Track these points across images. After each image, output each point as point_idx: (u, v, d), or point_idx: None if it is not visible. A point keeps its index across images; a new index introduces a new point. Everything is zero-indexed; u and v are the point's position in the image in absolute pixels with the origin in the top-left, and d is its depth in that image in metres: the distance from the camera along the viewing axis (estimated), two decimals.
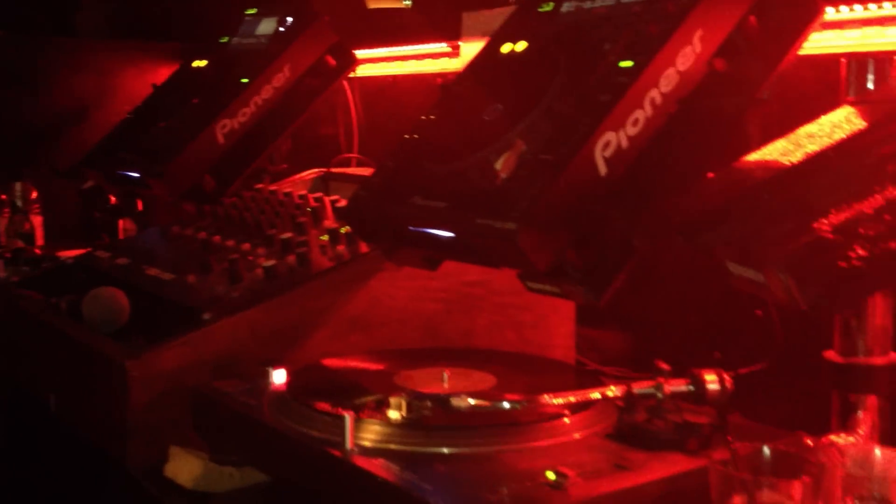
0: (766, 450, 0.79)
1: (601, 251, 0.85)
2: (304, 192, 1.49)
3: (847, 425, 0.90)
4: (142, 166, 1.58)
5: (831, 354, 0.93)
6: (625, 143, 0.85)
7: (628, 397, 0.85)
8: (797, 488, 0.76)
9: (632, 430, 0.84)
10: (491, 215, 0.86)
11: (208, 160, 1.52)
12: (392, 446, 0.84)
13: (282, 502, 0.96)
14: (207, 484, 1.00)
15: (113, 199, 1.94)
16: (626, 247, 0.86)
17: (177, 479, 1.01)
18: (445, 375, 0.98)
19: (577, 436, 0.86)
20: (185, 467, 1.01)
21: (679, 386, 0.86)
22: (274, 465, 0.95)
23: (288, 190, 1.53)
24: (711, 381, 0.86)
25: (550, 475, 0.76)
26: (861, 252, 0.63)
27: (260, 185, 1.60)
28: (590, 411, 0.89)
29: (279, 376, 1.02)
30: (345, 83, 1.78)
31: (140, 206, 1.81)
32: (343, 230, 1.25)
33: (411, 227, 0.98)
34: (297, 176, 1.68)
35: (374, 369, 1.05)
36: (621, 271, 0.86)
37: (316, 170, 1.72)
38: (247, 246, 1.33)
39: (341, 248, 1.24)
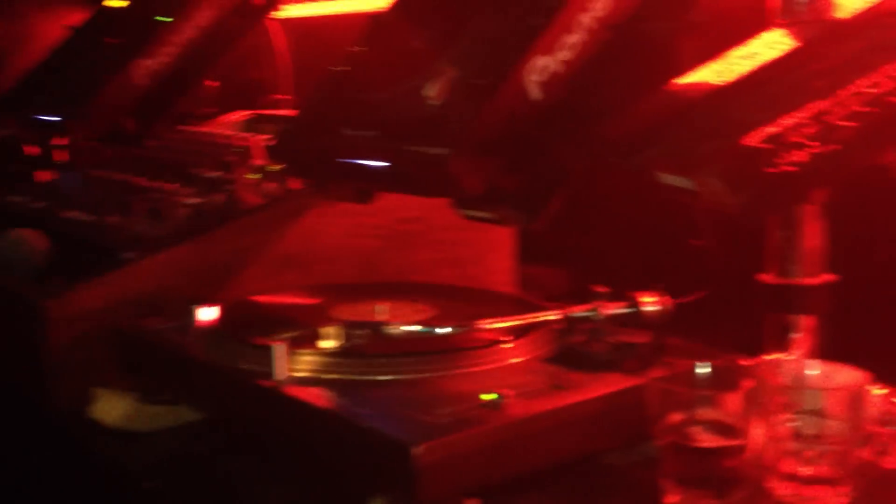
0: (702, 366, 0.78)
1: (535, 175, 0.83)
2: (231, 132, 1.45)
3: (782, 346, 0.91)
4: (58, 109, 1.51)
5: (765, 276, 0.93)
6: (557, 67, 0.83)
7: (566, 321, 0.84)
8: (733, 403, 0.76)
9: (570, 352, 0.83)
10: (422, 142, 0.83)
11: (128, 101, 1.45)
12: (326, 376, 0.81)
13: (216, 440, 0.93)
14: (136, 423, 0.96)
15: (31, 149, 1.86)
16: (560, 170, 0.84)
17: (103, 421, 0.97)
18: (381, 307, 0.95)
19: (516, 361, 0.85)
20: (111, 408, 0.98)
21: (617, 309, 0.85)
22: (206, 401, 0.92)
23: (214, 131, 1.48)
24: (649, 302, 0.85)
25: (487, 396, 0.74)
26: (788, 158, 0.63)
27: (185, 127, 1.55)
28: (529, 337, 0.88)
29: (207, 312, 0.99)
30: (274, 24, 1.72)
31: (62, 156, 1.74)
32: (272, 168, 1.22)
33: (341, 160, 0.95)
34: (225, 117, 1.63)
35: (307, 304, 1.03)
36: (556, 194, 0.84)
37: (245, 112, 1.66)
38: (171, 187, 1.28)
39: (271, 185, 1.20)
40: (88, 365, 1.02)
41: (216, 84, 1.63)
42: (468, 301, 1.04)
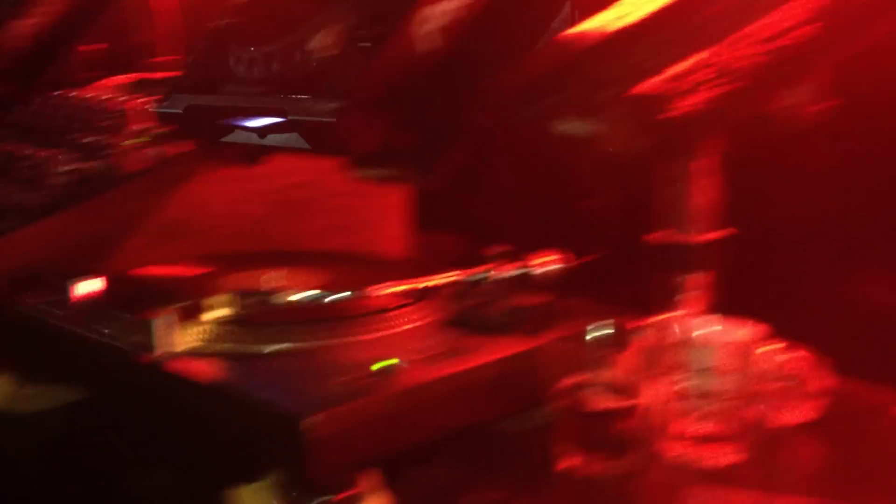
0: (597, 326, 0.78)
1: (430, 130, 0.81)
2: (108, 96, 1.37)
3: (674, 304, 0.91)
4: None
5: (654, 236, 0.93)
6: (447, 16, 0.80)
7: (458, 284, 0.82)
8: (627, 363, 0.76)
9: (465, 317, 0.82)
10: (310, 98, 0.80)
11: None
12: (211, 349, 0.78)
13: (97, 421, 0.89)
14: (12, 404, 0.91)
15: None
16: (455, 124, 0.82)
17: None
18: (271, 276, 0.92)
19: (410, 327, 0.83)
20: None
21: (509, 270, 0.84)
22: (86, 381, 0.87)
23: (91, 95, 1.40)
24: (541, 263, 0.84)
25: (379, 364, 0.72)
26: (685, 102, 0.63)
27: (63, 92, 1.46)
28: (423, 303, 0.86)
29: (87, 286, 0.94)
30: None
31: None
32: (153, 133, 1.16)
33: (226, 121, 0.91)
34: (106, 82, 1.54)
35: (192, 275, 0.98)
36: (452, 150, 0.82)
37: (126, 75, 1.58)
38: (47, 153, 1.21)
39: (152, 150, 1.14)
40: None
41: (103, 47, 1.55)
42: (361, 267, 1.01)
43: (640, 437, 0.76)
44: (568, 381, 0.77)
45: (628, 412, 0.74)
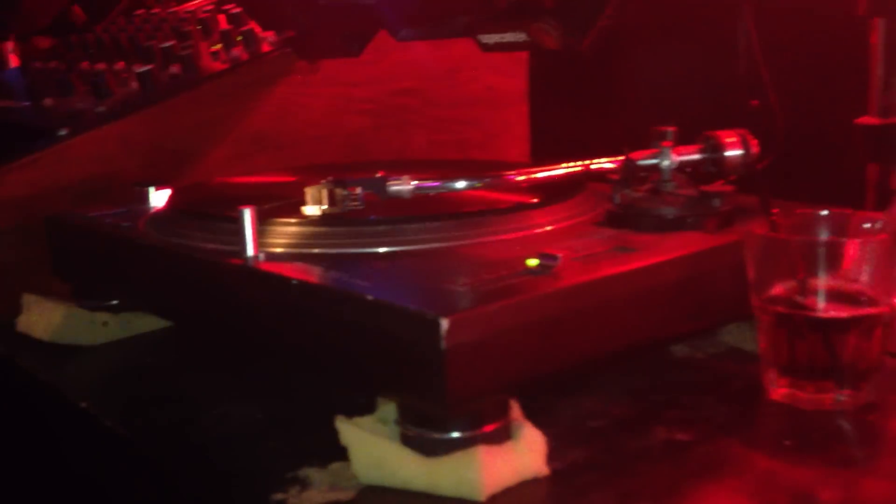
0: (817, 214, 0.59)
1: None
2: (196, 6, 1.22)
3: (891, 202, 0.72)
4: None
5: (865, 119, 0.74)
6: None
7: (626, 168, 0.64)
8: (854, 263, 0.57)
9: (631, 210, 0.64)
10: None
11: None
12: (313, 250, 0.62)
13: (172, 351, 0.74)
14: (72, 334, 0.76)
15: None
16: None
17: (32, 333, 0.77)
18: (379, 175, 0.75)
19: (560, 224, 0.65)
20: (42, 317, 0.77)
21: (689, 153, 0.66)
22: (158, 302, 0.72)
23: (178, 9, 1.26)
24: (732, 142, 0.65)
25: (532, 261, 0.55)
26: None
27: (142, 11, 1.33)
28: (572, 200, 0.69)
29: (161, 196, 0.79)
30: None
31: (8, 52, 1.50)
32: (243, 32, 1.00)
33: None
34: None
35: (282, 182, 0.82)
36: (606, 5, 0.64)
37: None
38: (120, 64, 1.07)
39: (238, 51, 0.99)
40: (15, 266, 0.82)
41: None
42: (488, 170, 0.84)
43: (878, 358, 0.57)
44: (780, 287, 0.58)
45: (866, 324, 0.56)
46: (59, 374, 0.70)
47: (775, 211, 0.59)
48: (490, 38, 0.67)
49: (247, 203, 0.61)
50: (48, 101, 1.00)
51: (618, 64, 0.91)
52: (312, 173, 0.78)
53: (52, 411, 0.69)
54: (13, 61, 1.41)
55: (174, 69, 0.98)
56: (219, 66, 0.96)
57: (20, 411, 0.75)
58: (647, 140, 0.67)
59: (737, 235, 0.61)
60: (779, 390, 0.58)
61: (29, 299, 0.79)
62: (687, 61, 0.92)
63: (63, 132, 0.86)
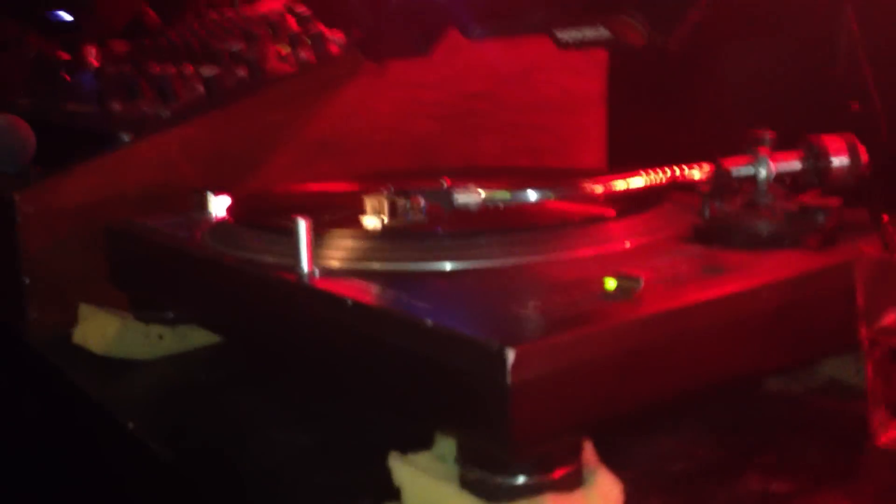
0: None
1: None
2: (269, 9, 1.20)
3: None
4: (69, 3, 1.30)
5: None
6: None
7: (719, 177, 0.58)
8: None
9: (722, 225, 0.57)
10: None
11: None
12: (371, 265, 0.57)
13: (225, 369, 0.71)
14: (127, 348, 0.74)
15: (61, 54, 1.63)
16: None
17: (87, 345, 0.75)
18: (444, 183, 0.71)
19: (636, 242, 0.59)
20: (98, 329, 0.75)
21: (790, 161, 0.59)
22: (214, 315, 0.69)
23: (250, 12, 1.23)
24: (838, 148, 0.58)
25: (611, 282, 0.49)
26: None
27: (215, 15, 1.31)
28: (654, 212, 0.63)
29: (221, 203, 0.76)
30: None
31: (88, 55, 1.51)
32: (313, 34, 0.97)
33: None
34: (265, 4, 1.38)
35: (346, 191, 0.79)
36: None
37: None
38: (189, 68, 1.05)
39: (306, 54, 0.96)
40: (73, 275, 0.80)
41: None
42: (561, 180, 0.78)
43: None
44: (887, 317, 0.52)
45: None
46: (109, 390, 0.67)
47: (890, 228, 0.52)
48: (567, 35, 0.62)
49: (304, 213, 0.57)
50: (115, 106, 0.99)
51: (706, 63, 0.85)
52: (377, 181, 0.74)
53: (99, 429, 0.66)
54: (93, 65, 1.42)
55: (241, 73, 0.95)
56: (286, 68, 0.93)
57: (69, 426, 0.72)
58: (740, 147, 0.61)
59: (844, 256, 0.54)
60: (890, 433, 0.52)
61: (85, 310, 0.77)
62: (782, 60, 0.85)
63: (126, 137, 0.84)
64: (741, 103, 0.85)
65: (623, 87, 1.00)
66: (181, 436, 0.58)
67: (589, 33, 0.60)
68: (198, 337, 0.75)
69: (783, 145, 0.61)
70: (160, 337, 0.74)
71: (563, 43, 0.62)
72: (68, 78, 1.19)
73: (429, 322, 0.46)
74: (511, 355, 0.42)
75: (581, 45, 0.61)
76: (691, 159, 0.64)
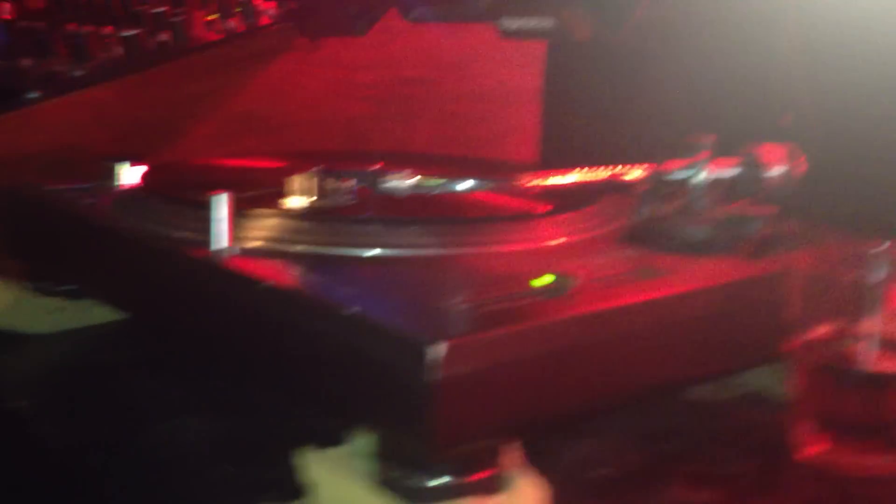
0: (875, 249, 0.52)
1: None
2: None
3: None
4: None
5: None
6: None
7: (655, 179, 0.56)
8: None
9: (657, 227, 0.56)
10: None
11: None
12: (294, 247, 0.54)
13: (127, 347, 0.66)
14: (22, 320, 0.69)
15: None
16: None
17: None
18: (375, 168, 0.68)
19: (572, 238, 0.58)
20: None
21: (727, 168, 0.58)
22: (117, 291, 0.64)
23: None
24: (776, 158, 0.58)
25: (544, 279, 0.47)
26: None
27: None
28: (589, 209, 0.61)
29: (132, 172, 0.71)
30: None
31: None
32: (237, 7, 0.93)
33: None
34: None
35: (267, 167, 0.75)
36: None
37: None
38: (108, 28, 0.99)
39: (235, 21, 0.91)
40: None
41: None
42: (497, 172, 0.76)
43: None
44: (815, 330, 0.51)
45: None
46: None
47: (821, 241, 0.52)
48: (513, 23, 0.60)
49: (224, 188, 0.53)
50: (26, 62, 0.92)
51: (650, 63, 0.83)
52: (303, 160, 0.71)
53: None
54: (5, 19, 1.33)
55: (163, 36, 0.90)
56: (212, 36, 0.88)
57: None
58: (678, 152, 0.60)
59: (776, 265, 0.53)
60: (813, 448, 0.51)
61: None
62: (728, 65, 0.84)
63: (32, 95, 0.78)
64: (686, 108, 0.84)
65: (560, 84, 0.98)
66: (74, 418, 0.54)
67: (534, 23, 0.58)
68: (100, 313, 0.70)
69: (721, 152, 0.60)
70: (59, 310, 0.69)
71: (508, 32, 0.59)
72: None
73: (352, 310, 0.43)
74: (437, 351, 0.39)
75: (525, 35, 0.59)
76: (626, 161, 0.62)
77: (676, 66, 0.84)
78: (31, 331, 0.68)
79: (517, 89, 1.02)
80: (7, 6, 1.24)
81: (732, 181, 0.59)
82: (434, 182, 0.55)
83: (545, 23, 0.57)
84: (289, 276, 0.49)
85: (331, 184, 0.55)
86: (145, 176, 0.69)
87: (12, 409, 0.54)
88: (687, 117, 0.84)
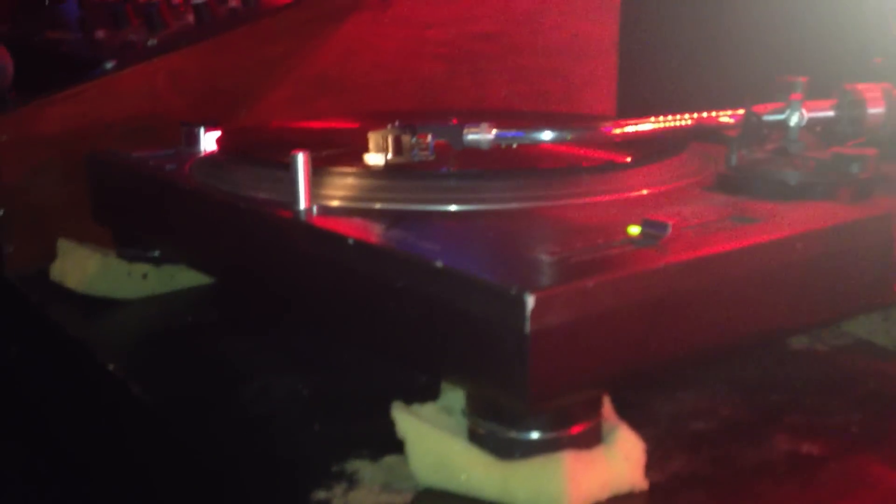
0: None
1: None
2: None
3: None
4: None
5: None
6: None
7: (748, 123, 0.54)
8: None
9: (750, 173, 0.54)
10: None
11: None
12: (375, 205, 0.53)
13: (216, 311, 0.67)
14: (108, 286, 0.70)
15: None
16: None
17: (65, 282, 0.71)
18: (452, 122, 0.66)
19: (656, 189, 0.56)
20: (77, 265, 0.71)
21: (822, 109, 0.55)
22: (201, 253, 0.65)
23: None
24: (874, 97, 0.55)
25: (635, 228, 0.46)
26: None
27: None
28: (675, 159, 0.59)
29: (211, 137, 0.71)
30: None
31: None
32: None
33: None
34: None
35: (345, 128, 0.74)
36: None
37: None
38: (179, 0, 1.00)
39: None
40: (52, 208, 0.75)
41: None
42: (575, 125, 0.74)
43: None
44: None
45: None
46: (89, 330, 0.63)
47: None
48: None
49: (302, 148, 0.53)
50: (100, 34, 0.94)
51: (734, 4, 0.80)
52: (378, 120, 0.70)
53: (78, 370, 0.62)
54: None
55: (234, 2, 0.90)
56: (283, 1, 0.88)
57: (45, 366, 0.69)
58: (769, 94, 0.57)
59: (879, 209, 0.51)
60: None
61: (64, 245, 0.73)
62: (814, 4, 0.80)
63: (110, 65, 0.79)
64: (771, 54, 0.80)
65: (637, 34, 0.96)
66: (165, 380, 0.55)
67: None
68: (185, 278, 0.71)
69: (811, 95, 0.58)
70: (144, 276, 0.70)
71: None
72: (52, 4, 1.13)
73: (439, 263, 0.42)
74: (531, 301, 0.38)
75: None
76: (705, 110, 0.60)
77: (761, 7, 0.81)
78: (118, 296, 0.69)
79: (591, 41, 0.99)
80: None
81: (828, 123, 0.56)
82: (513, 134, 0.54)
83: None
84: (374, 232, 0.48)
85: (408, 140, 0.54)
86: (224, 139, 0.69)
87: (109, 369, 0.55)
88: (773, 61, 0.81)
